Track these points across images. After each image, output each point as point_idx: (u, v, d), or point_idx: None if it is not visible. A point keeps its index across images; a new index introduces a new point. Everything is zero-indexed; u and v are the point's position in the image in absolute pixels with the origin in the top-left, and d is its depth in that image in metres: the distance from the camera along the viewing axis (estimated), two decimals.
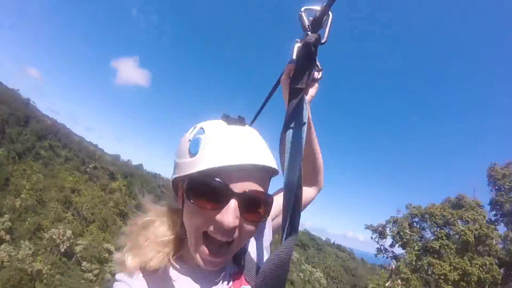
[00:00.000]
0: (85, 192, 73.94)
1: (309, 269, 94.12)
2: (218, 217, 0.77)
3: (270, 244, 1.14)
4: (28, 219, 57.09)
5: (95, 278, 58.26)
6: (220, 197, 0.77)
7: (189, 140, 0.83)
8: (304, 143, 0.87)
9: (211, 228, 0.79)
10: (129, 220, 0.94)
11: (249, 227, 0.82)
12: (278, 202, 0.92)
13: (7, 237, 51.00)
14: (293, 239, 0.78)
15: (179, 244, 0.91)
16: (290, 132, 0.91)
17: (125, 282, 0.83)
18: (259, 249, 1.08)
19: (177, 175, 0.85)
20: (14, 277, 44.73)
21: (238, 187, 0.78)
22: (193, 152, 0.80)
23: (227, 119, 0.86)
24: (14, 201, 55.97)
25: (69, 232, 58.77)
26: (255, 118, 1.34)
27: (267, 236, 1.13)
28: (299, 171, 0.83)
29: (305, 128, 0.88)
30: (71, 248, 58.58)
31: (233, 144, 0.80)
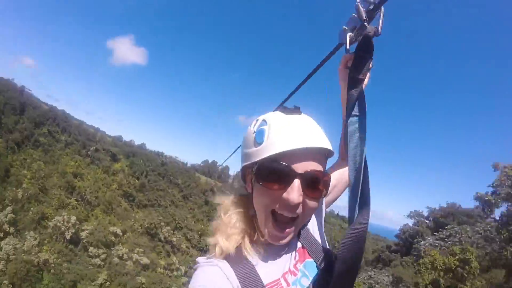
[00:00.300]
0: (87, 175, 73.95)
1: None
2: (284, 195, 0.92)
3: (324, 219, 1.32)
4: (32, 208, 57.33)
5: (102, 263, 59.24)
6: (285, 178, 0.92)
7: (254, 132, 0.99)
8: (365, 129, 0.98)
9: (278, 206, 0.94)
10: (216, 213, 1.09)
11: (311, 203, 0.97)
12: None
13: (11, 229, 51.45)
14: (367, 214, 0.87)
15: (252, 225, 1.05)
16: (352, 120, 1.01)
17: (216, 265, 0.96)
18: (318, 224, 1.26)
19: (246, 163, 1.02)
20: (20, 269, 45.52)
21: (300, 168, 0.92)
22: (258, 142, 0.96)
23: (285, 109, 1.01)
24: (16, 192, 56.06)
25: (73, 218, 59.07)
26: (287, 99, 1.53)
27: (322, 212, 1.30)
28: (363, 153, 0.95)
29: (365, 115, 1.00)
30: (76, 234, 59.12)
31: (292, 131, 0.94)
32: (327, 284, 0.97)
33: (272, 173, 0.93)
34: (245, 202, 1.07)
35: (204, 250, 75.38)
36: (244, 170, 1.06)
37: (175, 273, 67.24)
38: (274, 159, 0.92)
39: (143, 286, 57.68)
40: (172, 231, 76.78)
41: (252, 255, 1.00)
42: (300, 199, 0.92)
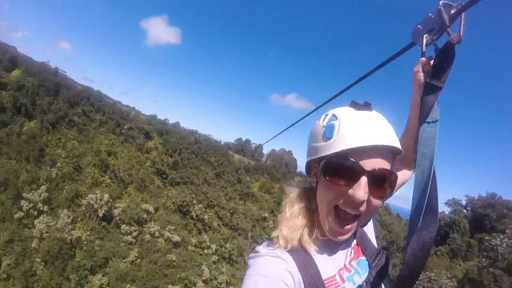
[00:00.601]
0: (121, 153, 75.18)
1: None
2: (350, 192, 0.93)
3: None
4: (66, 187, 59.13)
5: (134, 240, 60.46)
6: (352, 174, 0.93)
7: (323, 126, 0.99)
8: (437, 136, 0.96)
9: (342, 202, 0.96)
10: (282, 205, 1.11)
11: (375, 202, 0.97)
12: None
13: (45, 208, 53.35)
14: (435, 223, 0.85)
15: (312, 220, 1.07)
16: (426, 126, 0.98)
17: (279, 257, 0.98)
18: (373, 223, 1.29)
19: (312, 157, 1.03)
20: (53, 247, 47.25)
21: (368, 165, 0.92)
22: (328, 136, 0.96)
23: (356, 105, 1.00)
24: (50, 171, 57.82)
25: (106, 196, 60.18)
26: (343, 91, 1.57)
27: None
28: (433, 160, 0.92)
29: (437, 123, 0.97)
30: (109, 212, 60.44)
31: (363, 128, 0.93)
32: (377, 284, 1.04)
33: (340, 168, 0.94)
34: (308, 196, 1.10)
35: (235, 228, 75.91)
36: (310, 163, 1.07)
37: (205, 251, 67.56)
38: (343, 155, 0.93)
39: (174, 263, 58.54)
40: (204, 209, 76.85)
41: (312, 250, 1.03)
42: (365, 197, 0.93)
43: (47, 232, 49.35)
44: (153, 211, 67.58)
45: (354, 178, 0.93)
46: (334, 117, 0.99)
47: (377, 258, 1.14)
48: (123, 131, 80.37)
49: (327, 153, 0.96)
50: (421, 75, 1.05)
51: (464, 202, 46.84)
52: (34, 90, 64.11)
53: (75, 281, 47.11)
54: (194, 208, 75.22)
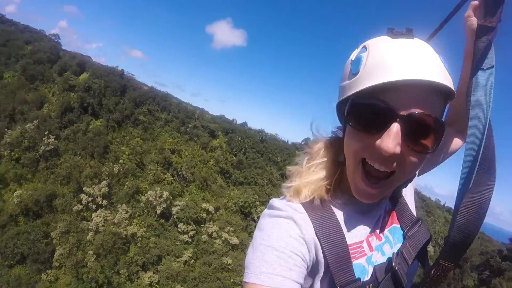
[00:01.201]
0: (185, 152, 75.35)
1: None
2: (378, 142, 0.73)
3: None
4: (127, 183, 60.08)
5: (190, 240, 59.07)
6: (381, 119, 0.73)
7: (351, 61, 0.81)
8: (493, 83, 0.80)
9: (369, 154, 0.77)
10: (302, 151, 0.96)
11: (412, 158, 0.76)
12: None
13: (104, 202, 54.48)
14: (492, 182, 0.70)
15: (340, 174, 0.90)
16: (480, 74, 0.82)
17: (291, 218, 0.81)
18: (412, 188, 1.10)
19: (339, 99, 0.86)
20: (107, 241, 47.61)
21: (403, 108, 0.72)
22: (353, 72, 0.77)
23: (392, 32, 0.79)
24: (112, 167, 59.39)
25: (165, 193, 59.82)
26: (434, 33, 1.25)
27: (415, 176, 1.08)
28: (489, 111, 0.76)
29: (493, 70, 0.81)
30: (168, 210, 59.98)
31: (398, 58, 0.72)
32: (410, 257, 0.85)
33: (365, 112, 0.75)
34: (335, 146, 0.92)
35: None
36: (339, 107, 0.90)
37: None
38: (370, 94, 0.73)
39: (229, 267, 55.62)
40: None
41: (336, 209, 0.87)
42: (397, 149, 0.72)
43: (103, 226, 50.08)
44: (213, 211, 65.66)
45: (383, 124, 0.73)
46: (364, 48, 0.79)
47: (414, 227, 0.92)
48: (187, 129, 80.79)
49: (352, 92, 0.76)
50: (473, 19, 0.89)
51: None
52: (100, 91, 67.25)
53: (125, 276, 46.78)
54: (256, 210, 71.83)
